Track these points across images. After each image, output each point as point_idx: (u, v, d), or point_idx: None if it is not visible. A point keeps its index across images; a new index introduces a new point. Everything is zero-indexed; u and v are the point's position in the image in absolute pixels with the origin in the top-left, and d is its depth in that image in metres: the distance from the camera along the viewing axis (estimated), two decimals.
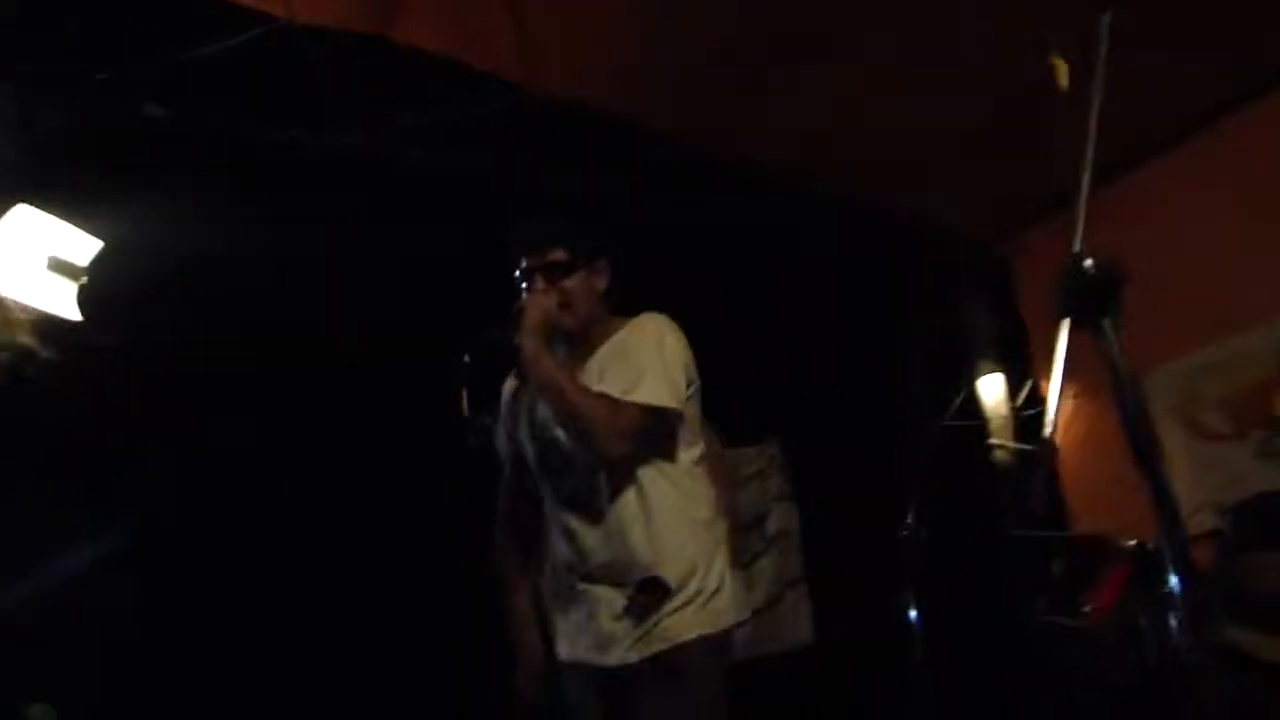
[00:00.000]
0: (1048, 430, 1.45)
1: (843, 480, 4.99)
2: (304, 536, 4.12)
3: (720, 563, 2.76)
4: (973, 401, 5.68)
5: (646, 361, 2.73)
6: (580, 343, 2.87)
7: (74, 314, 3.22)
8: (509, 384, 2.98)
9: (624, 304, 2.96)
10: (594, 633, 2.72)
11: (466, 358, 2.69)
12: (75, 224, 3.29)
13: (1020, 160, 4.98)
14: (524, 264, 2.86)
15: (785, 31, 4.04)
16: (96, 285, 3.25)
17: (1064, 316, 1.53)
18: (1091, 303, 1.51)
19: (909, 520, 4.06)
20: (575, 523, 2.77)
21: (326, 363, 4.18)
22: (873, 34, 4.08)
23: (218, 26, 3.53)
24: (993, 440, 5.63)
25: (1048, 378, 5.60)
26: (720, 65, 4.13)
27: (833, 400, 5.03)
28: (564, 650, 2.79)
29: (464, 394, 2.67)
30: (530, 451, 2.88)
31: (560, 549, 2.81)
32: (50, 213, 3.22)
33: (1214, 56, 4.28)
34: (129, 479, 3.79)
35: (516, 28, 3.78)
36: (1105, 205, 5.20)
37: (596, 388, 2.74)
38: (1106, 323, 1.50)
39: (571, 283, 2.84)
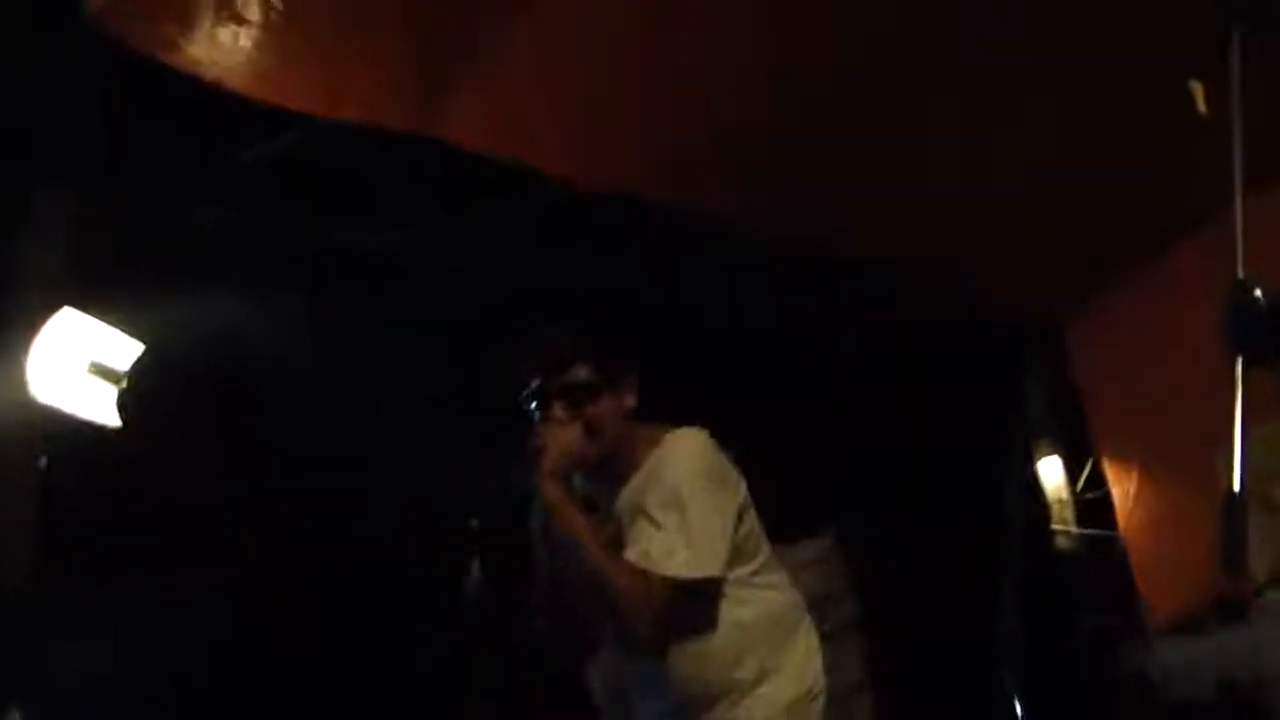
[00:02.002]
0: (1236, 485, 1.26)
1: (906, 571, 4.86)
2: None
3: (814, 666, 2.55)
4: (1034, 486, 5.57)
5: (684, 514, 2.34)
6: (607, 470, 2.51)
7: (113, 419, 3.19)
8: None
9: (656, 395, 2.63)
10: None
11: (474, 522, 2.49)
12: (119, 329, 3.27)
13: (1082, 231, 4.89)
14: (539, 383, 2.45)
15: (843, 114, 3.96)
16: (139, 391, 3.22)
17: (1238, 353, 1.36)
18: (1268, 336, 1.36)
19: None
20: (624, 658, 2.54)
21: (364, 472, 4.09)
22: (938, 106, 3.99)
23: (266, 128, 3.50)
24: (1056, 527, 5.49)
25: (1110, 458, 5.57)
26: (780, 152, 4.04)
27: (892, 492, 4.91)
28: None
29: (475, 562, 2.46)
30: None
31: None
32: (94, 317, 3.20)
33: None
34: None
35: (563, 123, 3.73)
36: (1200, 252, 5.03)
37: (630, 541, 2.41)
38: None
39: (598, 408, 2.43)
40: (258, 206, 3.70)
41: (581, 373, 2.44)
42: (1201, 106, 1.60)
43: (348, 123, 3.46)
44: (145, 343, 3.27)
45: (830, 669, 3.92)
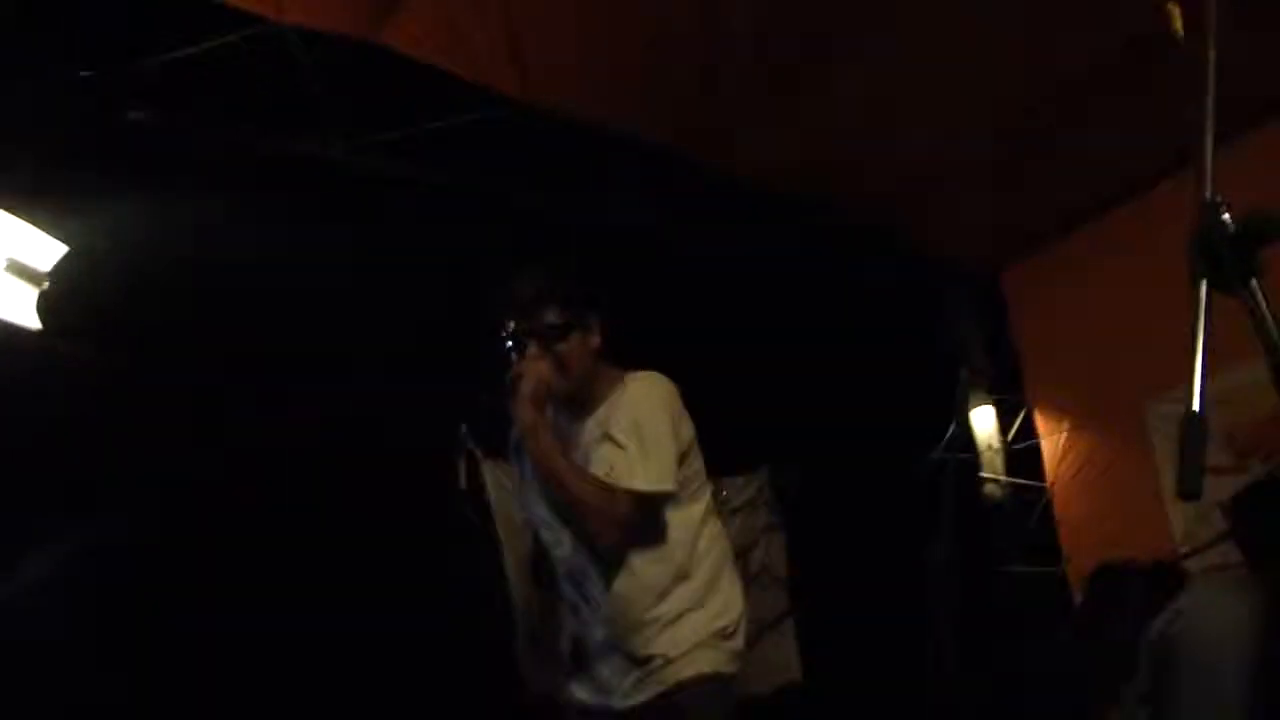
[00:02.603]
0: (1196, 405, 1.20)
1: (834, 511, 4.89)
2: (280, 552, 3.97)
3: (738, 602, 2.74)
4: (965, 434, 5.61)
5: (641, 443, 2.61)
6: (576, 403, 2.76)
7: (33, 322, 3.09)
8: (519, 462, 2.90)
9: (617, 336, 2.83)
10: (598, 680, 2.72)
11: (464, 428, 2.63)
12: (43, 228, 3.15)
13: (1026, 186, 4.91)
14: (514, 327, 2.72)
15: (791, 55, 3.95)
16: (64, 291, 3.11)
17: (1200, 279, 1.30)
18: (1234, 261, 1.28)
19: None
20: (580, 586, 2.73)
21: (303, 373, 4.03)
22: (879, 59, 4.00)
23: (206, 28, 3.43)
24: (984, 474, 5.55)
25: (1043, 411, 5.64)
26: (722, 84, 4.03)
27: (827, 429, 4.93)
28: (572, 693, 2.78)
29: (461, 467, 2.62)
30: (539, 512, 2.81)
31: (567, 609, 2.79)
32: (15, 215, 3.09)
33: None
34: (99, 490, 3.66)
35: (511, 37, 3.67)
36: (1140, 214, 5.05)
37: (594, 461, 2.66)
38: (1254, 283, 1.26)
39: (566, 346, 2.69)
40: (189, 106, 3.58)
41: (551, 315, 2.69)
42: (1178, 27, 1.53)
43: (294, 25, 3.42)
44: (69, 244, 3.17)
45: (755, 606, 4.01)
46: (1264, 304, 1.26)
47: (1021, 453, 5.65)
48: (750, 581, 4.60)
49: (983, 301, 5.87)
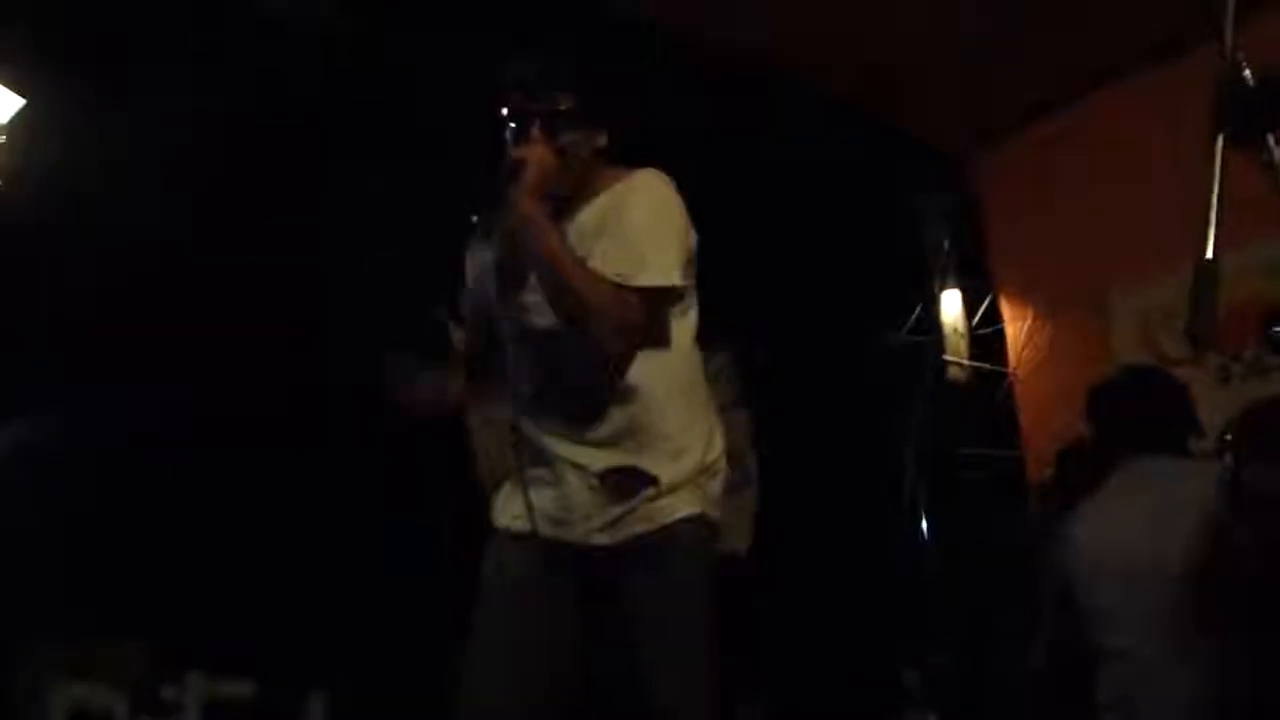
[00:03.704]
0: (1210, 252, 1.26)
1: (800, 390, 4.93)
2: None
3: (719, 442, 2.49)
4: (931, 316, 5.65)
5: (651, 235, 2.38)
6: (567, 200, 2.46)
7: None
8: (482, 251, 2.57)
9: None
10: (561, 503, 2.43)
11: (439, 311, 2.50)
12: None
13: (996, 72, 4.88)
14: (520, 107, 2.41)
15: None
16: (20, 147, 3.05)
17: (1222, 130, 1.33)
18: (1254, 114, 1.32)
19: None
20: (559, 392, 2.46)
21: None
22: None
23: None
24: (948, 357, 5.60)
25: (1009, 297, 5.67)
26: None
27: (793, 307, 4.95)
28: (515, 523, 2.47)
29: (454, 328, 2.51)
30: (509, 311, 2.50)
31: (531, 416, 2.50)
32: None
33: None
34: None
35: None
36: (1111, 105, 5.05)
37: (593, 255, 2.37)
38: (1270, 137, 1.31)
39: (573, 138, 2.41)
40: None
41: (562, 100, 2.41)
42: None
43: None
44: (28, 98, 3.10)
45: None
46: (1278, 159, 1.30)
47: (986, 338, 5.70)
48: None
49: (953, 188, 5.86)
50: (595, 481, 2.39)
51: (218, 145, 3.73)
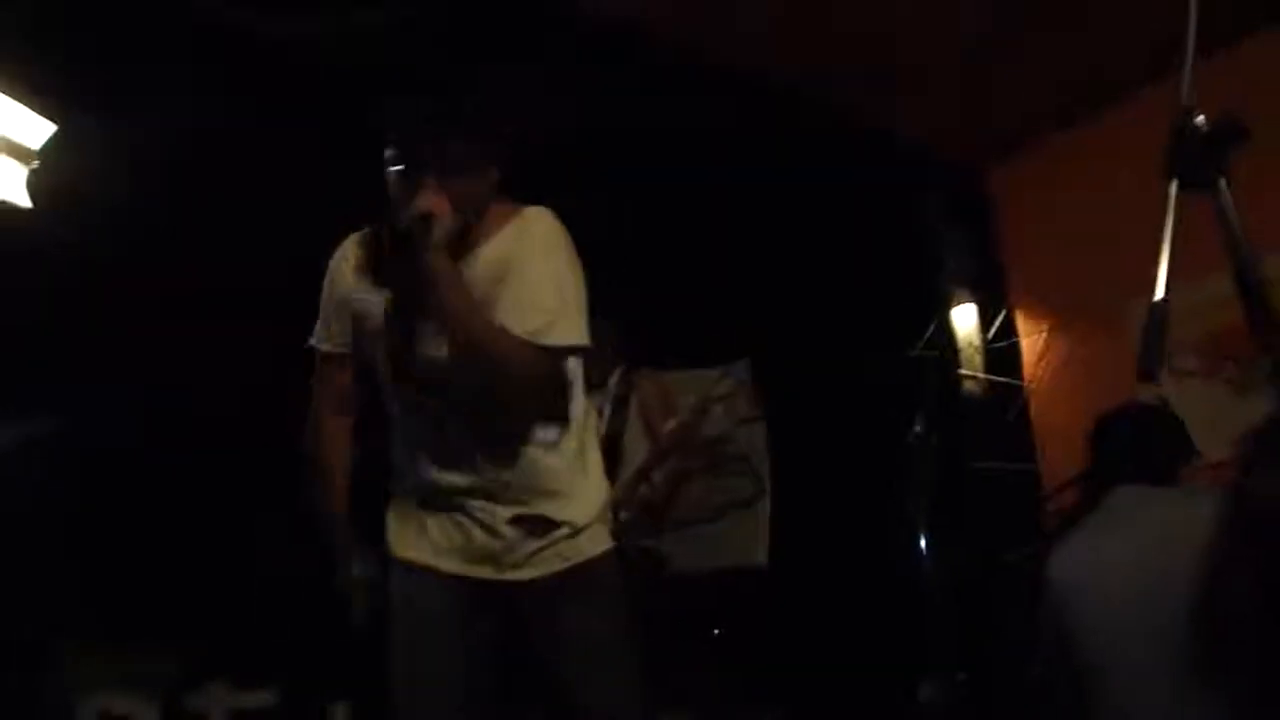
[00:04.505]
0: (1160, 293, 1.34)
1: (816, 405, 4.96)
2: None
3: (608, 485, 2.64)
4: (946, 331, 5.68)
5: (558, 292, 2.37)
6: (460, 239, 2.40)
7: (23, 200, 3.09)
8: (367, 296, 2.48)
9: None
10: (471, 543, 2.46)
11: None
12: (32, 106, 3.15)
13: (1013, 83, 4.91)
14: (406, 153, 2.31)
15: None
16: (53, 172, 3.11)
17: (1173, 176, 1.41)
18: (1203, 161, 1.38)
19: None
20: (464, 440, 2.45)
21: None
22: None
23: None
24: (963, 371, 5.62)
25: (1024, 310, 5.69)
26: None
27: (809, 321, 4.98)
28: (427, 557, 2.48)
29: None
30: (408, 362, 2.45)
31: (434, 461, 2.49)
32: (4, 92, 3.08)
33: None
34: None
35: None
36: (1102, 133, 5.12)
37: (496, 304, 2.36)
38: (1221, 182, 1.38)
39: (470, 184, 2.35)
40: None
41: (456, 145, 2.33)
42: None
43: None
44: (59, 122, 3.16)
45: (724, 491, 4.02)
46: (1229, 203, 1.37)
47: (1001, 351, 5.71)
48: (725, 467, 4.70)
49: (968, 200, 5.88)
50: (505, 526, 2.43)
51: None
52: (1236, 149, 1.39)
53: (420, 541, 2.49)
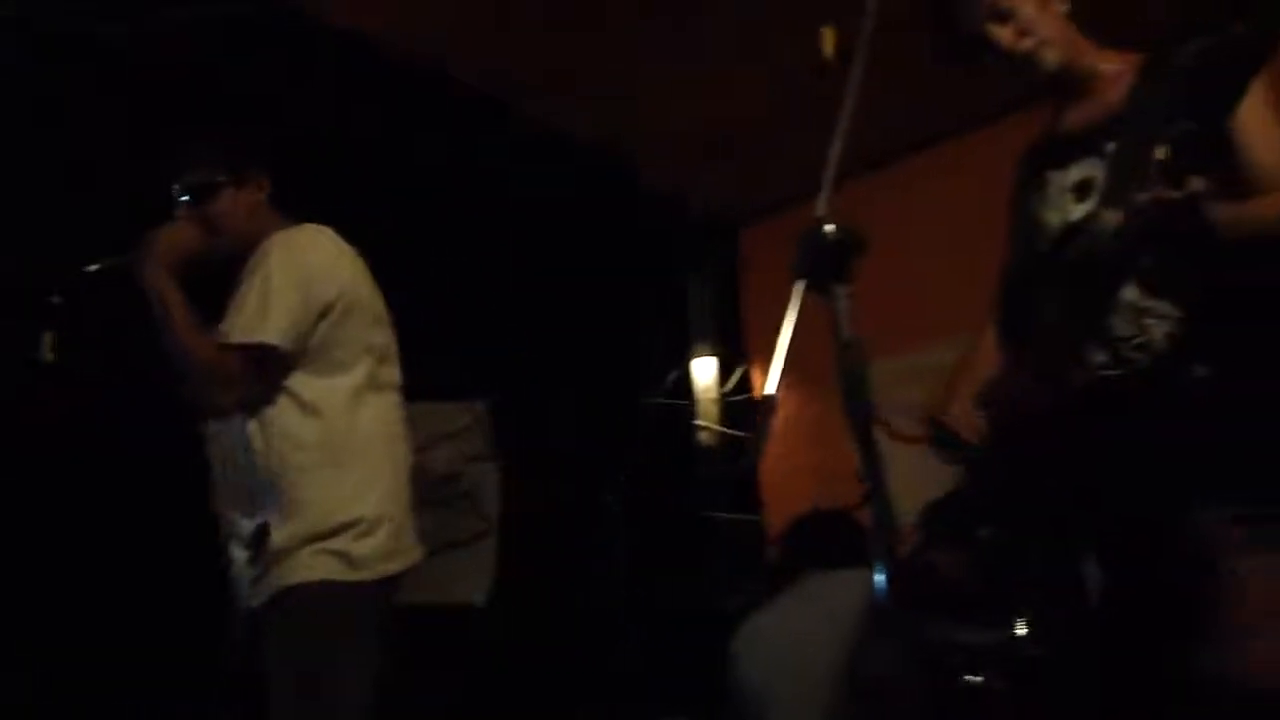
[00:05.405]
0: (771, 388, 1.44)
1: (550, 447, 4.95)
2: None
3: (379, 504, 2.51)
4: (685, 381, 5.79)
5: (261, 296, 2.47)
6: (239, 261, 2.62)
7: None
8: None
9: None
10: (235, 567, 2.54)
11: (56, 299, 2.53)
12: None
13: (769, 150, 5.06)
14: (174, 189, 2.67)
15: None
16: None
17: (798, 277, 1.55)
18: (825, 265, 1.53)
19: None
20: (216, 448, 2.60)
21: None
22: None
23: None
24: (699, 422, 5.73)
25: (762, 367, 5.86)
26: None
27: (552, 363, 4.97)
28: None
29: (48, 337, 2.50)
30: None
31: (218, 492, 2.61)
32: None
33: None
34: None
35: None
36: (860, 192, 5.36)
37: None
38: (839, 288, 1.53)
39: (219, 205, 2.64)
40: None
41: (198, 173, 2.65)
42: (828, 50, 1.78)
43: None
44: None
45: (447, 527, 3.98)
46: (844, 308, 1.59)
47: (738, 405, 5.86)
48: (452, 504, 4.63)
49: (720, 256, 6.05)
50: (247, 550, 2.48)
51: None
52: (857, 258, 1.57)
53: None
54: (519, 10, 4.13)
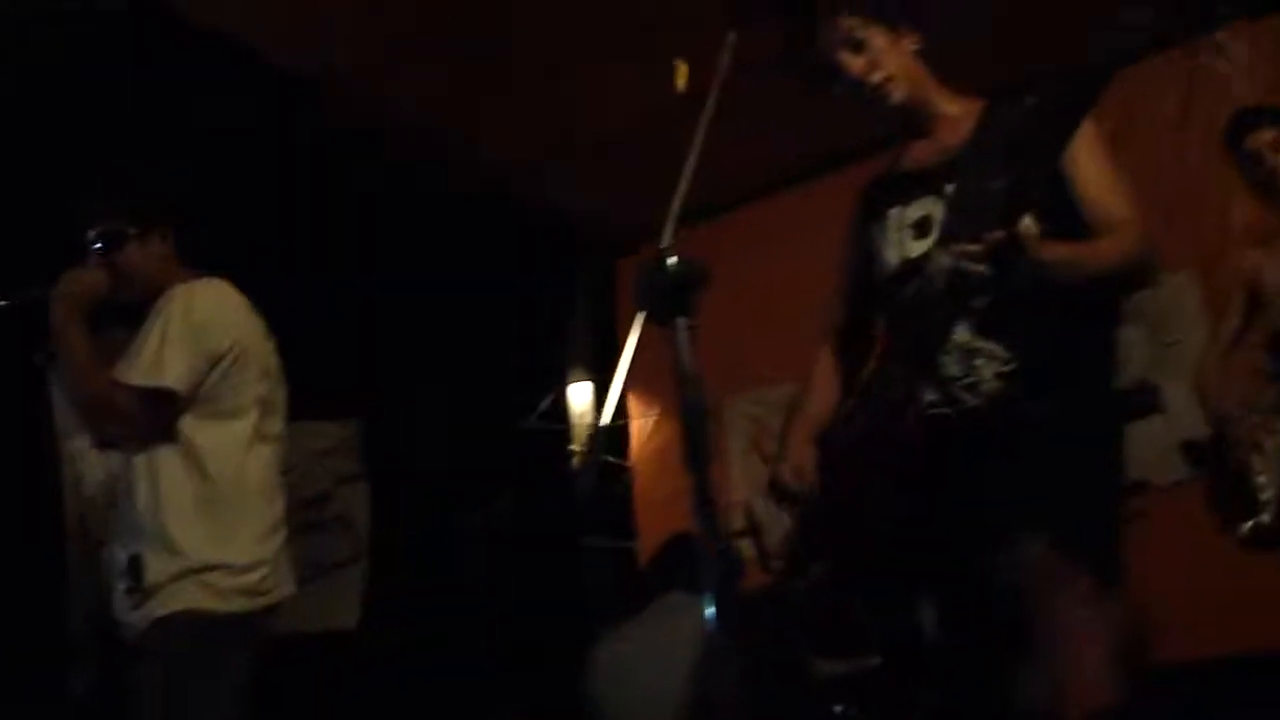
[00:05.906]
0: (605, 418, 1.49)
1: (421, 468, 4.95)
2: None
3: (254, 551, 2.66)
4: (560, 407, 5.81)
5: (158, 341, 2.64)
6: (147, 311, 2.76)
7: None
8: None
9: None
10: (117, 595, 2.65)
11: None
12: None
13: (653, 172, 5.12)
14: (87, 236, 2.80)
15: None
16: None
17: (639, 310, 1.55)
18: (667, 299, 1.53)
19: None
20: (99, 474, 2.77)
21: None
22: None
23: None
24: (573, 448, 5.77)
25: (638, 393, 5.91)
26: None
27: (425, 384, 4.97)
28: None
29: None
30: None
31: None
32: None
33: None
34: None
35: None
36: (735, 228, 5.47)
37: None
38: (680, 321, 1.52)
39: (125, 255, 2.77)
40: None
41: (104, 225, 2.77)
42: (681, 84, 1.80)
43: None
44: None
45: (319, 549, 4.01)
46: (684, 340, 1.57)
47: (615, 430, 5.91)
48: (322, 527, 4.59)
49: (599, 283, 6.09)
50: (122, 580, 2.60)
51: None
52: (699, 291, 1.57)
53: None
54: (403, 31, 4.16)
